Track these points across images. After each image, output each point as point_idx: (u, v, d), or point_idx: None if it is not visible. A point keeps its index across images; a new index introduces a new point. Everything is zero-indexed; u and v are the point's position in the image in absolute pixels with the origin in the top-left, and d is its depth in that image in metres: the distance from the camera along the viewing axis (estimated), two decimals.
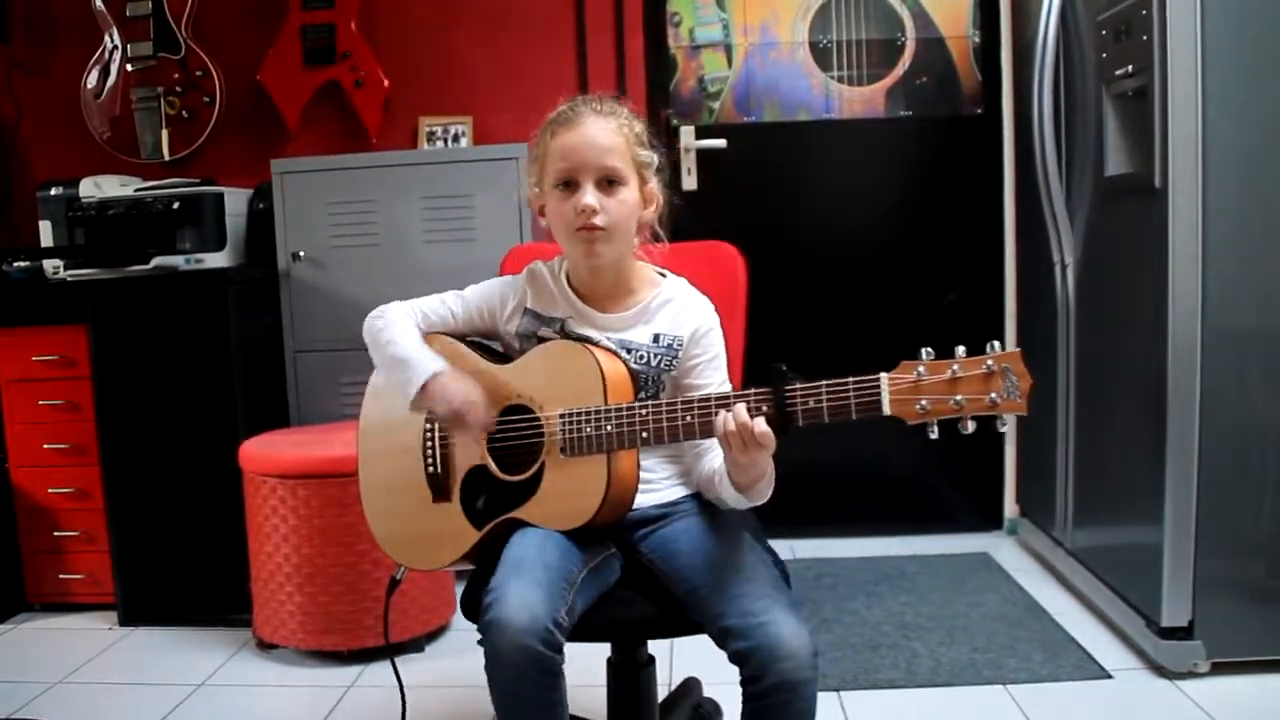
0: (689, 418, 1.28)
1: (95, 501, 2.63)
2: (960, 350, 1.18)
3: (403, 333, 1.46)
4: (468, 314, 1.53)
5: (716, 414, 1.24)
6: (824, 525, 3.11)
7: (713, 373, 1.46)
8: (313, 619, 2.28)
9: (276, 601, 2.31)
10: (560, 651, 1.22)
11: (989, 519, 3.17)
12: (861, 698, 2.06)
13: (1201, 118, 1.96)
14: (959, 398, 1.17)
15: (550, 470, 1.36)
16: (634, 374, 1.42)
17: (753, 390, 1.24)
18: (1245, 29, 1.96)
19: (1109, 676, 2.11)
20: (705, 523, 1.42)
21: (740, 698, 1.27)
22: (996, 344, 1.18)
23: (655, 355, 1.44)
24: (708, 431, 1.27)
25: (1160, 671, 2.09)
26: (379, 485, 1.53)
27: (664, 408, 1.29)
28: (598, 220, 1.38)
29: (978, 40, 3.08)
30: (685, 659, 2.16)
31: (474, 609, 1.35)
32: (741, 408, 1.22)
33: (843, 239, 3.15)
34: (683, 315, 1.46)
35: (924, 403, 1.17)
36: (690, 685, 1.93)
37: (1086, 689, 2.07)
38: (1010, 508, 3.13)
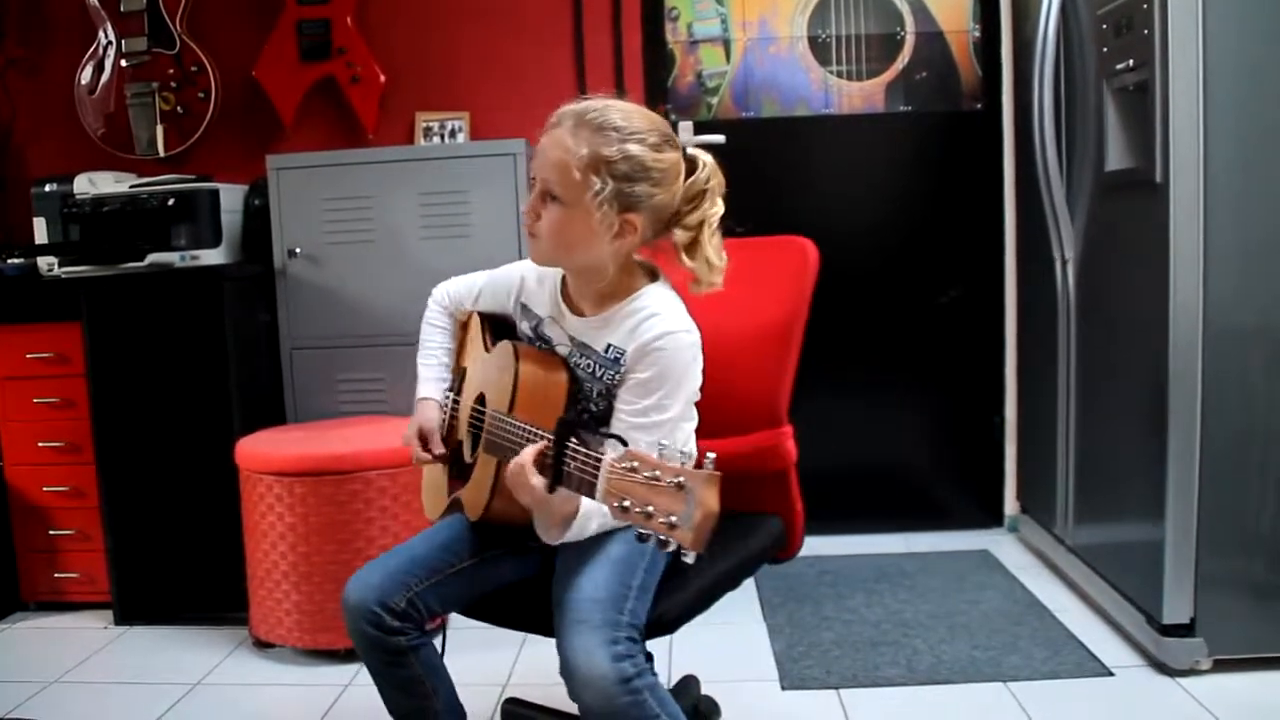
0: (523, 443, 1.26)
1: (90, 500, 2.62)
2: (682, 451, 1.03)
3: (431, 338, 1.65)
4: (487, 298, 1.62)
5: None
6: (824, 522, 3.08)
7: (639, 395, 1.35)
8: (309, 617, 2.27)
9: (273, 600, 2.30)
10: (394, 633, 1.38)
11: (989, 516, 3.16)
12: (862, 695, 2.05)
13: (1203, 112, 1.96)
14: (650, 508, 1.02)
15: (480, 461, 1.46)
16: (575, 383, 1.43)
17: (543, 431, 1.22)
18: (1246, 23, 1.95)
19: (1110, 674, 2.10)
20: (616, 540, 1.39)
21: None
22: (711, 456, 1.02)
23: (602, 366, 1.41)
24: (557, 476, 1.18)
25: (1161, 669, 2.08)
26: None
27: (521, 427, 1.29)
28: (532, 227, 1.39)
29: (978, 35, 3.07)
30: (684, 657, 2.15)
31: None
32: (528, 453, 1.21)
33: (842, 235, 3.13)
34: (640, 328, 1.37)
35: (626, 501, 1.04)
36: (688, 683, 1.92)
37: (1087, 686, 2.06)
38: (1011, 504, 3.13)
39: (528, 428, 1.28)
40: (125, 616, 2.61)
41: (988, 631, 2.33)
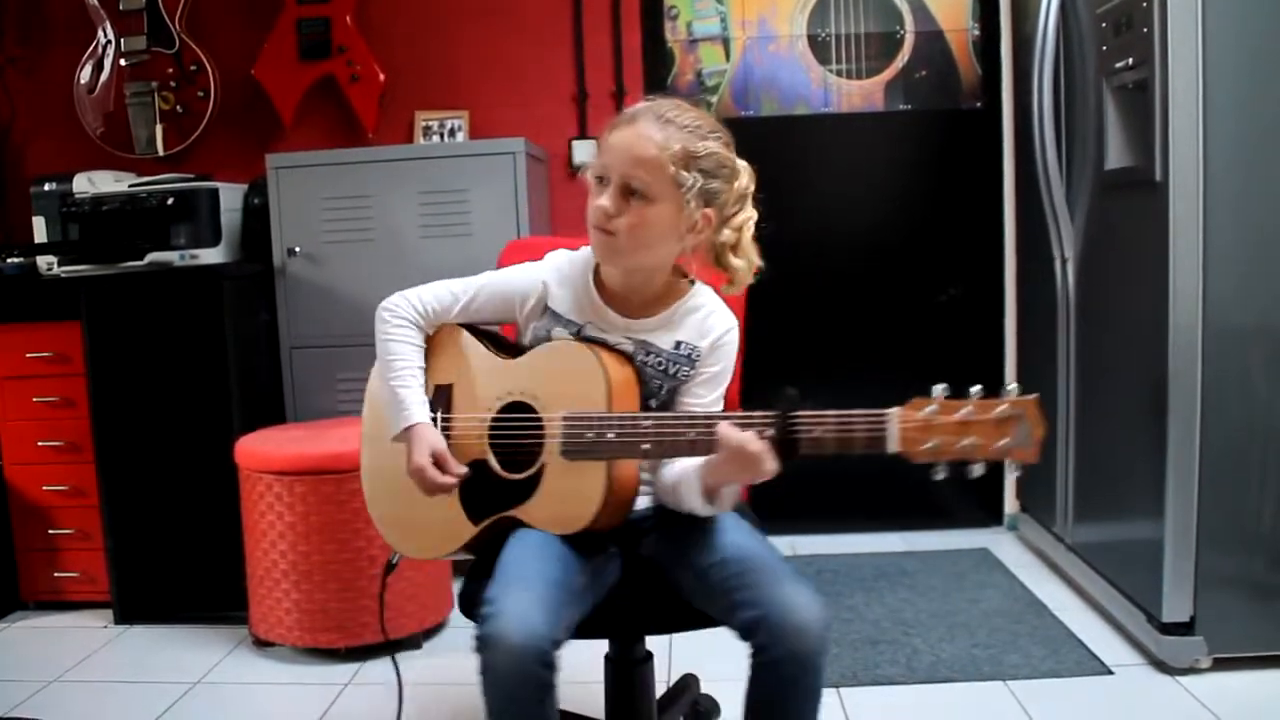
0: (693, 435, 1.26)
1: (90, 499, 2.62)
2: (975, 390, 1.15)
3: (403, 353, 1.45)
4: (482, 306, 1.49)
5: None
6: (823, 521, 3.10)
7: (712, 387, 1.44)
8: (309, 616, 2.27)
9: (273, 599, 2.30)
10: (555, 668, 1.20)
11: (989, 514, 3.16)
12: (862, 694, 2.05)
13: (1202, 110, 1.95)
14: (970, 440, 1.13)
15: (550, 472, 1.35)
16: (642, 378, 1.41)
17: (758, 413, 1.22)
18: (1246, 21, 1.95)
19: (1110, 672, 2.10)
20: (703, 520, 1.41)
21: (747, 677, 1.27)
22: (1014, 386, 1.15)
23: (674, 363, 1.43)
24: (709, 449, 1.24)
25: (1161, 667, 2.08)
26: (379, 468, 1.50)
27: (668, 422, 1.28)
28: (610, 226, 1.35)
29: (977, 33, 3.07)
30: (683, 656, 2.14)
31: (471, 606, 1.34)
32: (753, 436, 1.19)
33: (841, 233, 3.13)
34: (707, 324, 1.44)
35: (933, 442, 1.14)
36: (688, 682, 1.92)
37: (1087, 685, 2.06)
38: (1010, 503, 3.13)
39: (632, 419, 1.29)
40: (125, 616, 2.61)
41: (987, 630, 2.33)
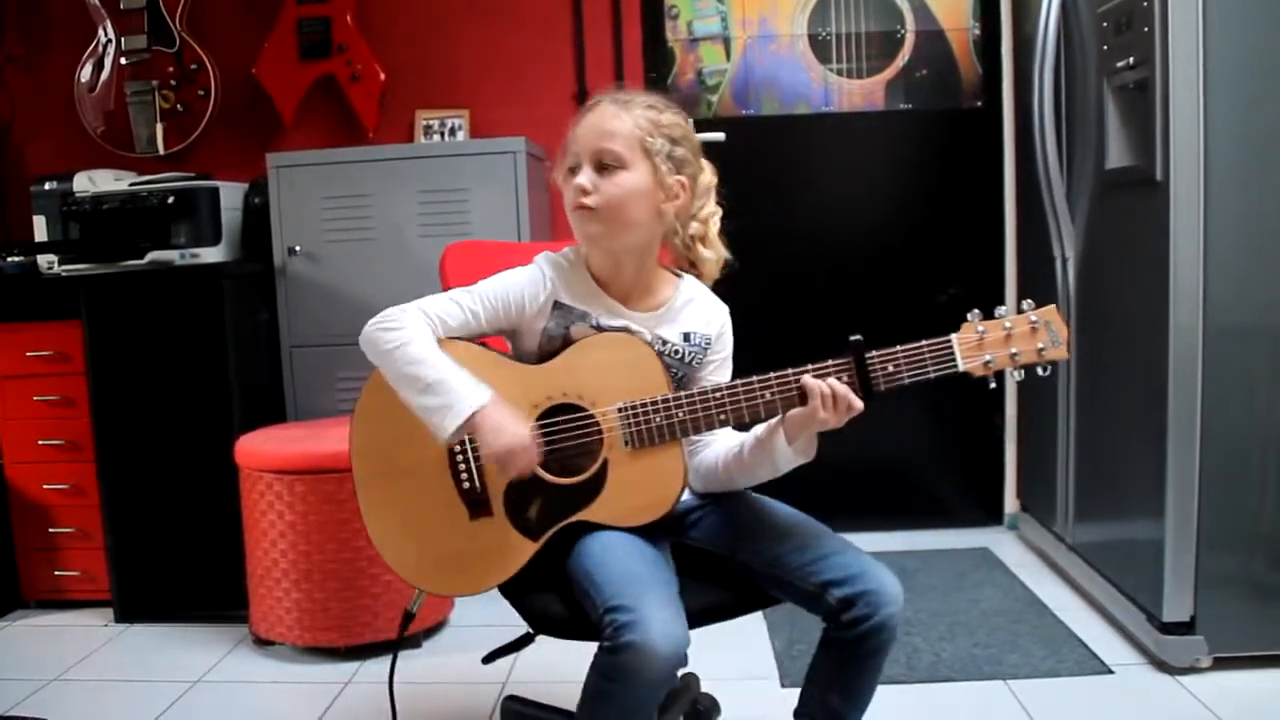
0: (769, 395, 1.33)
1: (90, 498, 2.62)
2: (1001, 309, 1.34)
3: (431, 351, 1.34)
4: (490, 314, 1.42)
5: (797, 388, 1.31)
6: (824, 520, 3.08)
7: (725, 372, 1.50)
8: (309, 615, 2.27)
9: (273, 598, 2.30)
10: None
11: (989, 514, 3.16)
12: None
13: (1203, 110, 1.95)
14: (1015, 350, 1.32)
15: (615, 466, 1.35)
16: (666, 368, 1.42)
17: (831, 362, 1.32)
18: (1247, 20, 1.94)
19: (1110, 672, 2.10)
20: (745, 501, 1.48)
21: (826, 643, 1.38)
22: (1029, 301, 1.33)
23: (689, 353, 1.46)
24: (789, 406, 1.33)
25: (1162, 667, 2.08)
26: (394, 510, 1.41)
27: (740, 388, 1.33)
28: (588, 200, 1.38)
29: (978, 33, 3.06)
30: None
31: (544, 621, 1.37)
32: (835, 379, 1.30)
33: (842, 233, 3.13)
34: (707, 314, 1.49)
35: (988, 357, 1.32)
36: (688, 681, 1.91)
37: (1087, 684, 2.06)
38: (1011, 503, 3.13)
39: (700, 394, 1.34)
40: (125, 614, 2.61)
41: (988, 629, 2.33)
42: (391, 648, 2.16)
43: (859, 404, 1.31)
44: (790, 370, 1.32)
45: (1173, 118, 1.96)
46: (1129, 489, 2.23)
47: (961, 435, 3.13)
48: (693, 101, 3.12)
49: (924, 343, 1.33)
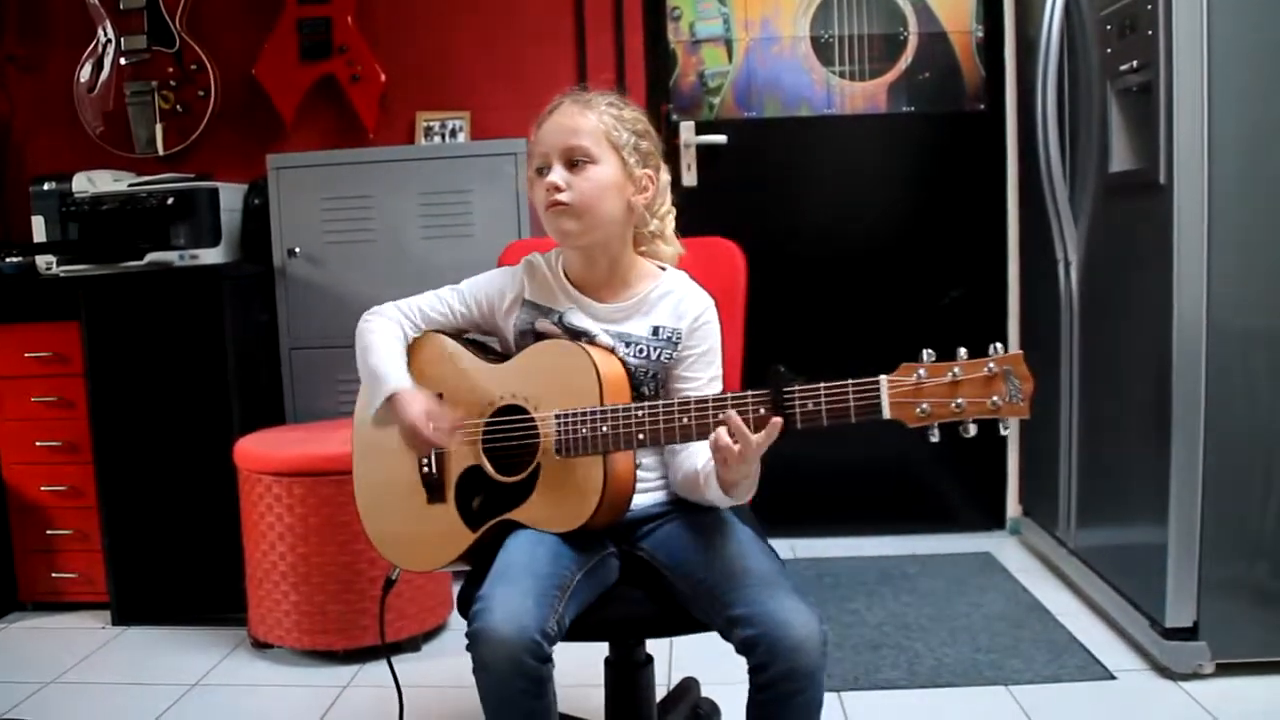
0: (685, 420, 1.26)
1: (88, 500, 2.61)
2: (962, 352, 1.16)
3: (380, 341, 1.48)
4: (467, 309, 1.52)
5: (714, 421, 1.23)
6: (825, 525, 3.09)
7: (703, 368, 1.46)
8: (308, 618, 2.26)
9: (271, 600, 2.29)
10: (548, 661, 1.21)
11: (991, 518, 3.15)
12: (862, 698, 2.04)
13: (1207, 113, 1.95)
14: (960, 401, 1.14)
15: (545, 471, 1.35)
16: (630, 372, 1.41)
17: (750, 393, 1.22)
18: (1251, 23, 1.94)
19: (1112, 677, 2.09)
20: (705, 519, 1.41)
21: (746, 691, 1.26)
22: (999, 345, 1.15)
23: (655, 348, 1.44)
24: (705, 433, 1.24)
25: (1164, 672, 2.07)
26: (373, 484, 1.53)
27: (660, 409, 1.28)
28: (561, 197, 1.39)
29: (981, 35, 3.06)
30: (684, 659, 2.14)
31: (466, 607, 1.33)
32: (735, 415, 1.20)
33: (844, 236, 3.12)
34: (681, 306, 1.46)
35: (924, 406, 1.15)
36: (688, 685, 1.91)
37: (1090, 690, 2.05)
38: (1013, 507, 3.12)
39: (625, 410, 1.29)
40: (123, 617, 2.60)
41: (989, 634, 2.32)
42: (387, 652, 2.15)
43: (774, 434, 1.19)
44: (711, 397, 1.26)
45: (1176, 121, 1.96)
46: (1132, 493, 2.22)
47: (962, 439, 3.11)
48: (695, 104, 3.11)
49: (849, 382, 1.17)
